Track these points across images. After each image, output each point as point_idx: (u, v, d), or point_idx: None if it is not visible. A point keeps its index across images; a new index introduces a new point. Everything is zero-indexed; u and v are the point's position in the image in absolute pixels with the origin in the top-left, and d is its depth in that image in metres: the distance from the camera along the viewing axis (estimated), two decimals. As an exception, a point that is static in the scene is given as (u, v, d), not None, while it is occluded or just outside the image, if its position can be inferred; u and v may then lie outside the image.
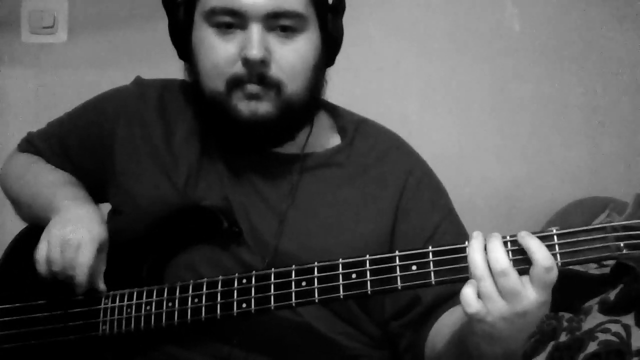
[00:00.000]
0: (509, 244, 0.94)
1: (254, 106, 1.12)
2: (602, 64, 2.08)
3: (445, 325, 1.11)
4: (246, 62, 1.10)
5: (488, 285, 0.92)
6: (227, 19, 1.12)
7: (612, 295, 1.59)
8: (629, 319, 1.51)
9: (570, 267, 0.94)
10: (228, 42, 1.12)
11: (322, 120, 1.28)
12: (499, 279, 0.92)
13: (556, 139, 2.10)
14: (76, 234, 1.16)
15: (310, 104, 1.19)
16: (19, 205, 1.37)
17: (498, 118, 2.12)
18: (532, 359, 1.58)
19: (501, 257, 0.92)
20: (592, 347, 1.49)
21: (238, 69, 1.12)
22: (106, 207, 1.32)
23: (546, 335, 1.60)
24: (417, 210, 1.21)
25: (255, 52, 1.09)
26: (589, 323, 1.56)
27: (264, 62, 1.11)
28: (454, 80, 2.12)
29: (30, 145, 1.39)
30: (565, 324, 1.60)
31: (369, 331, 1.21)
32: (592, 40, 2.08)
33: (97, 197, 1.31)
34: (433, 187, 1.26)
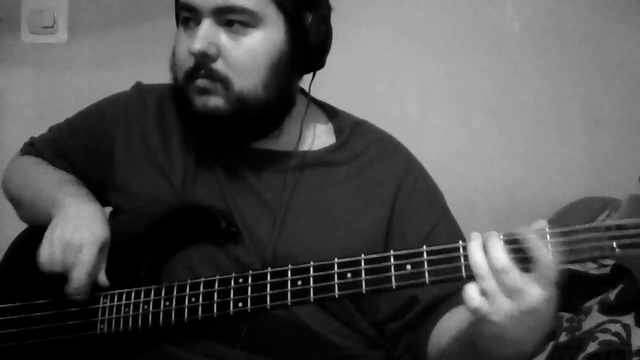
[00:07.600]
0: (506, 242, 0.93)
1: (204, 100, 1.15)
2: (602, 64, 2.08)
3: (450, 325, 1.11)
4: (192, 55, 1.14)
5: (491, 283, 0.91)
6: (186, 14, 1.17)
7: (612, 295, 1.59)
8: (629, 319, 1.51)
9: (568, 267, 0.93)
10: (188, 37, 1.17)
11: (319, 121, 1.29)
12: (500, 277, 0.91)
13: (556, 139, 2.10)
14: (78, 234, 1.16)
15: (278, 101, 1.18)
16: (20, 206, 1.37)
17: (498, 118, 2.12)
18: (532, 359, 1.58)
19: (501, 256, 0.92)
20: (592, 347, 1.49)
21: (191, 62, 1.15)
22: (108, 207, 1.32)
23: (546, 336, 1.60)
24: (413, 210, 1.22)
25: (195, 46, 1.13)
26: (589, 323, 1.56)
27: (207, 56, 1.13)
28: (454, 80, 2.12)
29: (33, 148, 1.40)
30: (565, 324, 1.60)
31: (366, 331, 1.21)
32: (592, 40, 2.08)
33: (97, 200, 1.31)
34: (428, 188, 1.27)
